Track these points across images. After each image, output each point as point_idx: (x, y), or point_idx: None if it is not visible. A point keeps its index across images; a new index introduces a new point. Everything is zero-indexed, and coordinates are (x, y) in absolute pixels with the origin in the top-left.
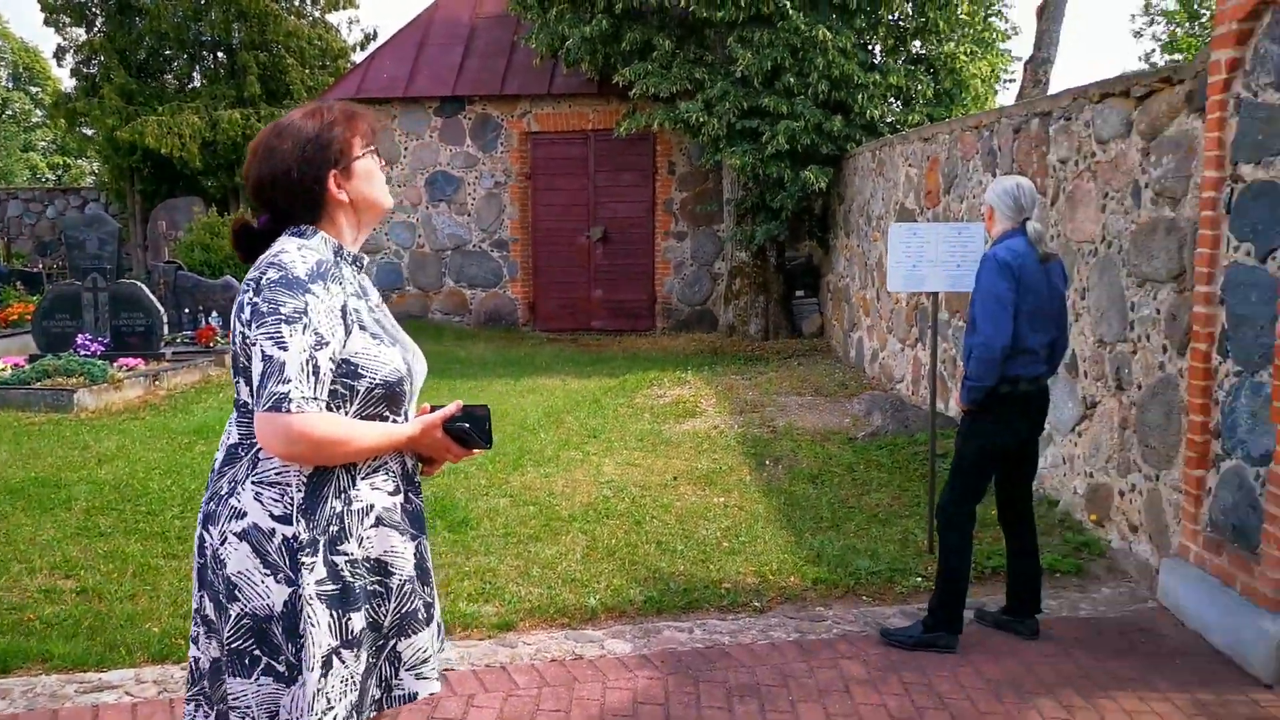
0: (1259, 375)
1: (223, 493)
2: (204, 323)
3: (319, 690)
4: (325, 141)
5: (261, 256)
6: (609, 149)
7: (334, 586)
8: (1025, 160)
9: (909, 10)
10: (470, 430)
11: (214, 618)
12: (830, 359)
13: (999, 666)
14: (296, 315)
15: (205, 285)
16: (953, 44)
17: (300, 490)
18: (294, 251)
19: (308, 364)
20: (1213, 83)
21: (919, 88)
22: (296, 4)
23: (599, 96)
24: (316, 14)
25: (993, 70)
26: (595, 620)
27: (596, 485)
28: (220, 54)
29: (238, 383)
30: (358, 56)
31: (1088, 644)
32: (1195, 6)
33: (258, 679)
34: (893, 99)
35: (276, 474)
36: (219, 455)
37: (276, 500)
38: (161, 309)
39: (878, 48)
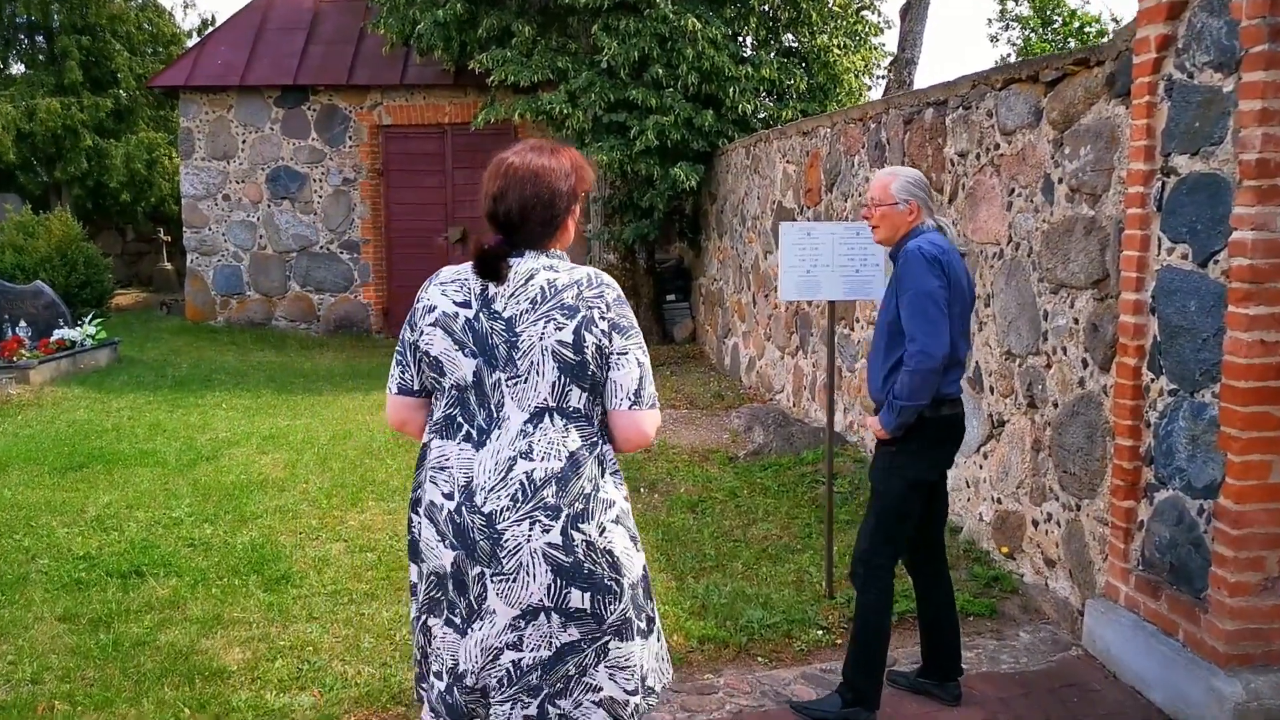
0: (1200, 395)
1: (588, 492)
2: (9, 333)
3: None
4: (577, 179)
5: (567, 276)
6: (467, 143)
7: None
8: (919, 154)
9: (780, 1)
10: None
11: (585, 605)
12: (704, 367)
13: None
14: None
15: (14, 291)
16: (825, 36)
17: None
18: (606, 274)
19: None
20: (1140, 63)
21: (792, 81)
22: None
23: (455, 87)
24: None
25: (866, 65)
26: None
27: None
28: (39, 38)
29: (570, 389)
30: (193, 43)
31: (1015, 706)
32: (1048, 13)
33: (634, 639)
34: (765, 93)
35: (615, 463)
36: (549, 465)
37: (622, 484)
38: None
39: (749, 39)
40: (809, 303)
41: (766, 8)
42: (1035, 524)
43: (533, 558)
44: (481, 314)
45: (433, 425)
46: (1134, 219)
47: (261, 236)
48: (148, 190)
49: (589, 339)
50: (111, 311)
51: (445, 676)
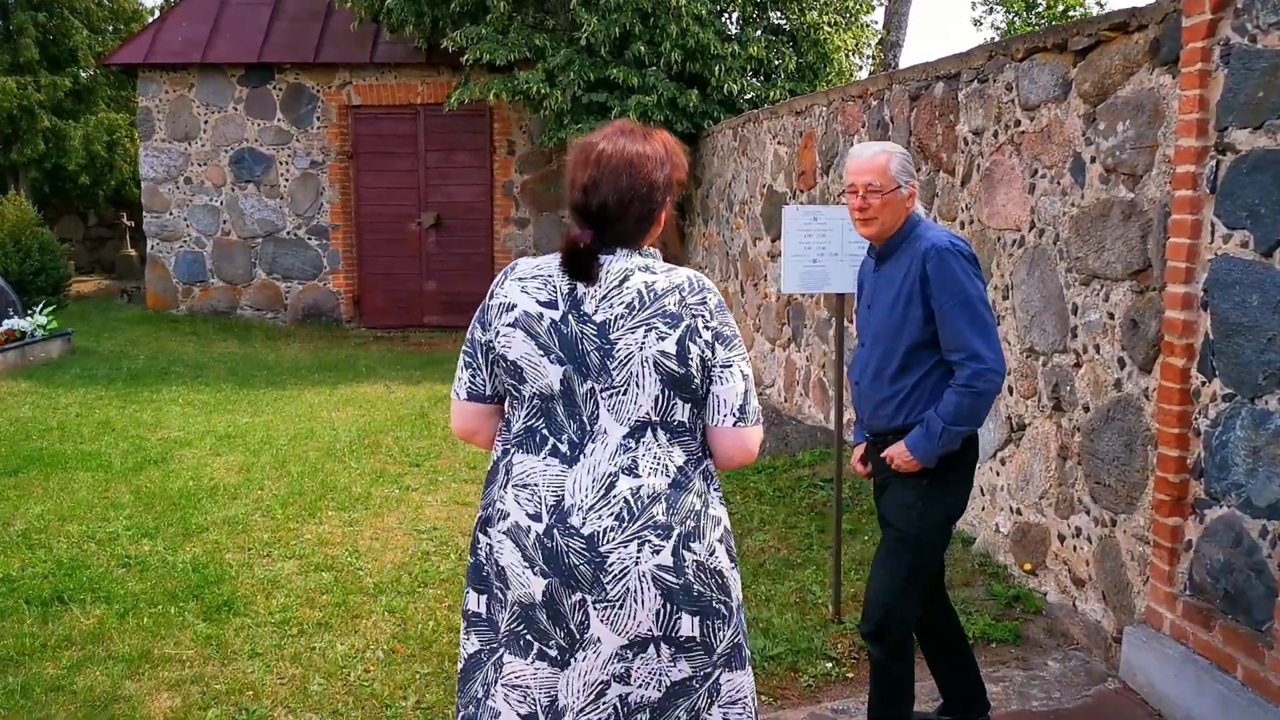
0: (1263, 401)
1: (697, 508)
2: None
3: None
4: (673, 166)
5: (665, 279)
6: (441, 125)
7: None
8: (927, 132)
9: None
10: None
11: (694, 633)
12: None
13: None
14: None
15: None
16: (815, 13)
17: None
18: (705, 277)
19: None
20: (1191, 25)
21: (780, 61)
22: None
23: (428, 66)
24: None
25: (856, 43)
26: None
27: (414, 536)
28: None
29: (674, 403)
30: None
31: None
32: None
33: (746, 668)
34: (752, 73)
35: (718, 479)
36: (656, 481)
37: (723, 500)
38: None
39: (735, 16)
40: (804, 296)
41: None
42: (1061, 539)
43: (641, 582)
44: (570, 316)
45: (510, 437)
46: (1183, 202)
47: (225, 221)
48: (108, 173)
49: (694, 350)
50: (70, 299)
51: (542, 716)
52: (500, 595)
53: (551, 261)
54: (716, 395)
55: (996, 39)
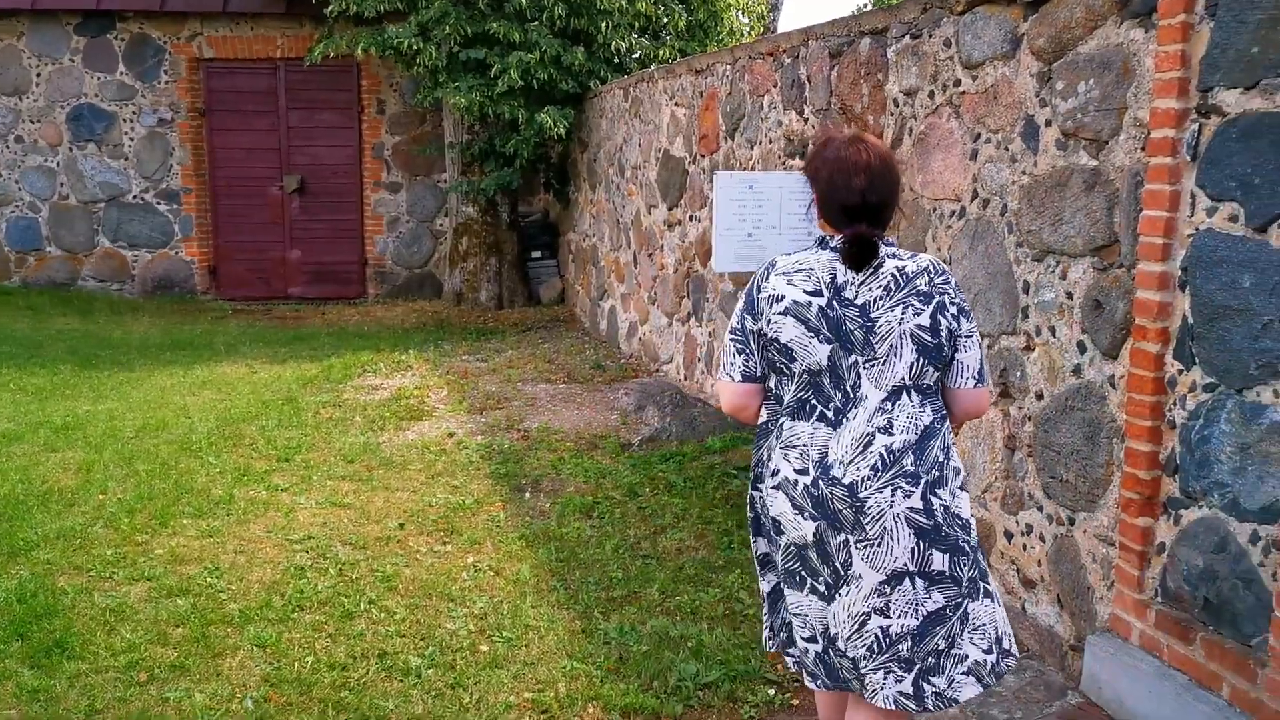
0: (1254, 393)
1: (941, 459)
2: None
3: None
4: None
5: (913, 264)
6: (304, 81)
7: None
8: (851, 93)
9: None
10: None
11: (944, 567)
12: (576, 331)
13: None
14: None
15: None
16: None
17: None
18: (940, 261)
19: None
20: None
21: (669, 18)
22: None
23: (288, 17)
24: None
25: (748, 2)
26: None
27: (285, 548)
28: None
29: (926, 369)
30: None
31: None
32: None
33: (983, 600)
34: (640, 31)
35: (953, 435)
36: (907, 437)
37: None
38: None
39: None
40: (702, 264)
41: None
42: (1009, 536)
43: (896, 522)
44: (834, 302)
45: (781, 409)
46: (1159, 171)
47: (63, 184)
48: None
49: (943, 323)
50: None
51: (820, 640)
52: (775, 540)
53: (809, 257)
54: (960, 361)
55: (868, 4)
